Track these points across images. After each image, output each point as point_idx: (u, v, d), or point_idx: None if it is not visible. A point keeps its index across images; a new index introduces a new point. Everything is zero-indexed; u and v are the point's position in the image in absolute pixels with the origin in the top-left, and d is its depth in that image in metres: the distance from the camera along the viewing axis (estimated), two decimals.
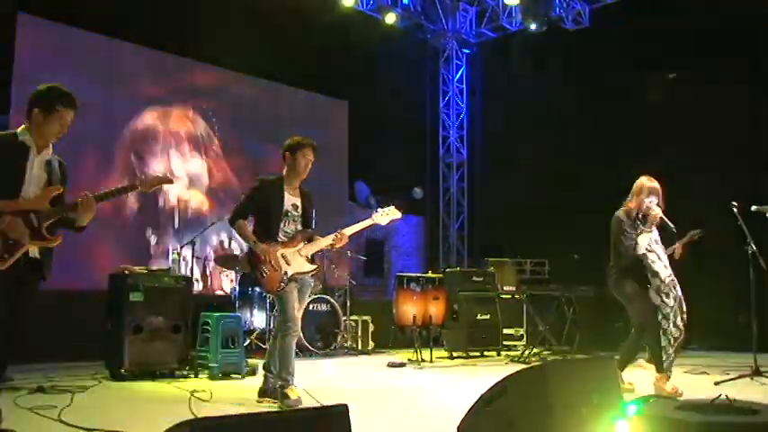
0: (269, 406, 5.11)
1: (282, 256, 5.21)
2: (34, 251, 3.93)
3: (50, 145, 4.05)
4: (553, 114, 11.58)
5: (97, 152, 9.03)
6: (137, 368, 6.51)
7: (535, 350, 9.01)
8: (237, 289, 8.51)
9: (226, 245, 9.95)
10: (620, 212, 6.07)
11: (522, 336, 10.32)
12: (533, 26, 11.97)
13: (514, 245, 11.41)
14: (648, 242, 5.93)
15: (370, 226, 5.57)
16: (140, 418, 4.59)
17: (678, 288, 5.90)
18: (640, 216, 5.98)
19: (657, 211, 5.93)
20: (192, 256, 8.29)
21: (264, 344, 8.09)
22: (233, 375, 6.81)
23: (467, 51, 13.85)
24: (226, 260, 8.99)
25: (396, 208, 5.66)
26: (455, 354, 9.20)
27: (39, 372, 6.41)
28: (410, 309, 9.06)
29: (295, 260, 5.26)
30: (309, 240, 5.40)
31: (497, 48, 13.13)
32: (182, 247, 8.76)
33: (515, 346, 10.12)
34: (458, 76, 13.86)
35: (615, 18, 11.25)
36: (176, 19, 9.22)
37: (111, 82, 9.19)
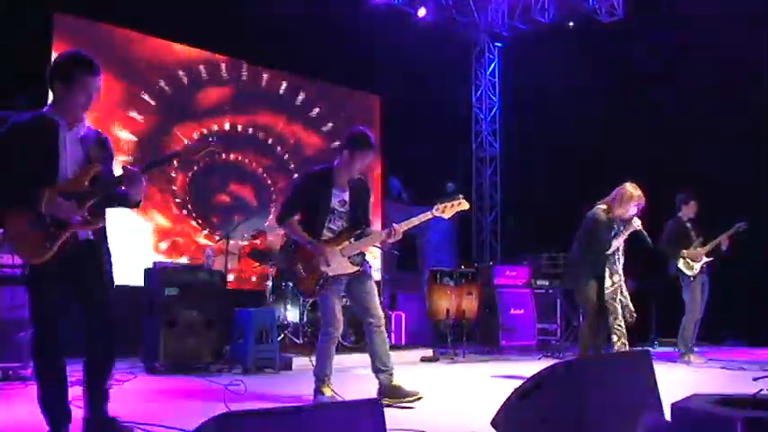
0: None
1: (324, 257, 4.97)
2: (87, 232, 3.68)
3: (83, 119, 3.73)
4: (587, 107, 11.46)
5: None
6: (172, 362, 6.59)
7: (569, 345, 8.95)
8: (271, 284, 8.55)
9: (259, 239, 9.99)
10: (598, 212, 6.24)
11: (556, 330, 10.25)
12: (570, 23, 11.89)
13: (548, 239, 11.32)
14: (617, 246, 6.17)
15: (428, 220, 5.22)
16: (175, 411, 4.63)
17: (624, 292, 6.18)
18: (619, 221, 6.18)
19: (638, 224, 6.13)
20: (226, 251, 8.34)
21: (299, 339, 8.12)
22: (267, 370, 6.85)
23: (499, 45, 13.75)
24: (260, 255, 9.03)
25: (465, 201, 5.23)
26: (488, 348, 9.17)
27: (76, 366, 6.50)
28: (443, 303, 9.05)
29: (336, 260, 4.99)
30: (357, 238, 5.13)
31: (530, 41, 13.01)
32: (216, 242, 8.82)
33: (550, 340, 10.06)
34: (490, 69, 13.77)
35: (650, 8, 11.08)
36: (210, 16, 9.27)
37: (147, 79, 9.29)
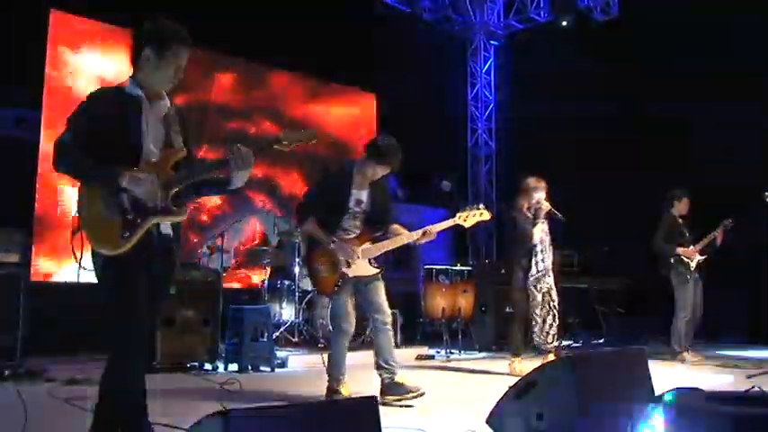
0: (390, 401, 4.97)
1: (345, 257, 4.97)
2: (167, 227, 3.24)
3: (165, 96, 3.31)
4: (582, 106, 11.47)
5: None
6: (168, 361, 6.58)
7: (564, 342, 8.97)
8: (267, 282, 8.55)
9: (255, 238, 9.98)
10: (516, 208, 6.89)
11: None
12: (564, 23, 11.90)
13: None
14: (541, 234, 6.73)
15: (449, 227, 5.24)
16: (171, 410, 4.63)
17: (549, 280, 6.74)
18: (533, 211, 6.78)
19: (546, 205, 6.76)
20: (222, 250, 8.33)
21: (294, 337, 8.13)
22: (262, 368, 6.85)
23: (495, 43, 13.76)
24: (255, 253, 9.03)
25: (485, 208, 5.26)
26: (484, 346, 9.18)
27: (72, 364, 6.49)
28: (439, 302, 9.05)
29: (357, 261, 4.99)
30: (376, 240, 5.10)
31: (525, 39, 13.03)
32: (211, 240, 8.81)
33: None
34: (486, 68, 13.77)
35: (644, 6, 11.10)
36: (203, 12, 9.25)
37: None
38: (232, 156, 3.19)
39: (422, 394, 4.94)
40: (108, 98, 3.20)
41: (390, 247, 5.12)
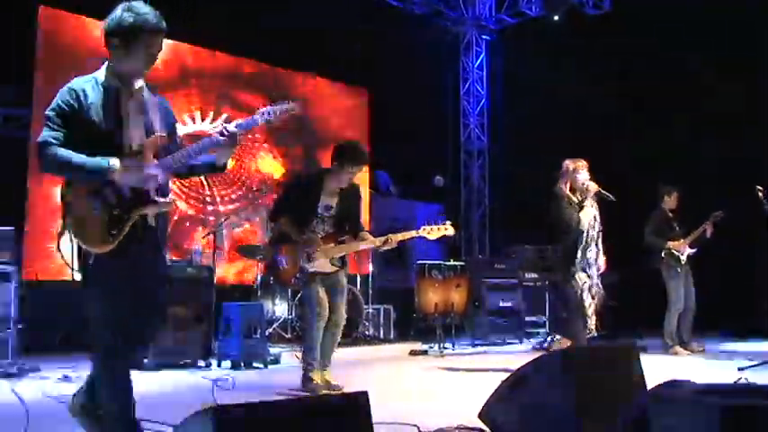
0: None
1: (307, 255, 5.31)
2: (152, 219, 3.20)
3: (143, 83, 3.26)
4: (575, 100, 11.49)
5: None
6: (160, 358, 6.57)
7: (557, 337, 8.98)
8: (259, 278, 8.54)
9: (248, 234, 9.98)
10: (558, 191, 6.39)
11: (544, 323, 10.29)
12: (555, 17, 11.91)
13: (537, 232, 11.34)
14: (590, 219, 6.21)
15: (412, 238, 5.59)
16: (164, 407, 4.63)
17: (594, 271, 6.24)
18: (578, 194, 6.28)
19: (595, 186, 6.25)
20: (214, 246, 8.33)
21: (287, 333, 8.13)
22: (255, 364, 6.85)
23: (486, 38, 13.75)
24: (248, 250, 9.03)
25: (451, 224, 5.58)
26: (477, 341, 9.20)
27: (65, 362, 6.48)
28: (432, 297, 9.07)
29: (320, 260, 5.32)
30: (340, 243, 5.41)
31: (517, 34, 13.03)
32: (204, 237, 8.80)
33: (538, 333, 10.10)
34: (478, 62, 13.76)
35: (636, 1, 11.10)
36: (190, 7, 9.24)
37: None
38: (222, 137, 3.21)
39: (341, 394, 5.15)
40: (83, 89, 3.13)
41: (351, 251, 5.56)
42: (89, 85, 3.16)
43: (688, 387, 2.46)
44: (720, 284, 9.08)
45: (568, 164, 6.44)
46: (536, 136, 11.88)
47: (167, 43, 3.38)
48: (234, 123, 3.30)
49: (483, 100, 13.73)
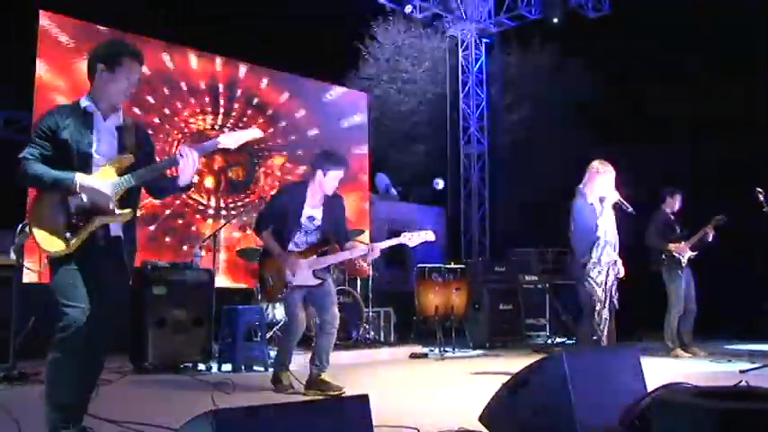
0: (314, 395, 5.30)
1: (292, 268, 5.42)
2: (117, 229, 3.52)
3: (120, 108, 3.61)
4: (574, 102, 11.51)
5: None
6: (161, 361, 6.57)
7: (558, 340, 8.98)
8: (260, 282, 8.53)
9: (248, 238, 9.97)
10: (579, 195, 6.24)
11: (544, 326, 10.29)
12: (555, 20, 11.93)
13: (536, 234, 11.36)
14: (606, 226, 6.12)
15: (396, 244, 5.66)
16: (164, 410, 4.63)
17: (611, 274, 6.14)
18: (598, 199, 6.15)
19: (617, 195, 6.13)
20: (215, 249, 8.33)
21: None
22: (255, 368, 6.85)
23: (486, 41, 13.76)
24: (248, 253, 9.01)
25: (432, 232, 5.74)
26: (477, 344, 9.19)
27: None
28: (432, 300, 9.06)
29: (300, 273, 5.42)
30: (323, 254, 5.53)
31: (516, 37, 13.05)
32: (204, 240, 8.79)
33: (538, 335, 10.10)
34: (477, 65, 13.76)
35: (636, 3, 11.12)
36: (194, 13, 9.27)
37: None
38: (180, 157, 3.46)
39: (342, 394, 5.21)
40: (64, 113, 3.49)
41: (334, 261, 5.68)
42: (68, 110, 3.54)
43: (688, 390, 2.46)
44: (722, 286, 9.07)
45: (596, 166, 6.27)
46: (535, 138, 11.91)
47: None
48: (190, 146, 3.53)
49: (483, 103, 13.73)
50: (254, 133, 3.75)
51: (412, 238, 5.60)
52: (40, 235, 3.38)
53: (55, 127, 3.44)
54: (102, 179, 3.42)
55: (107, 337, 3.56)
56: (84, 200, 3.39)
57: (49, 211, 3.40)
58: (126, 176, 3.46)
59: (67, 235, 3.36)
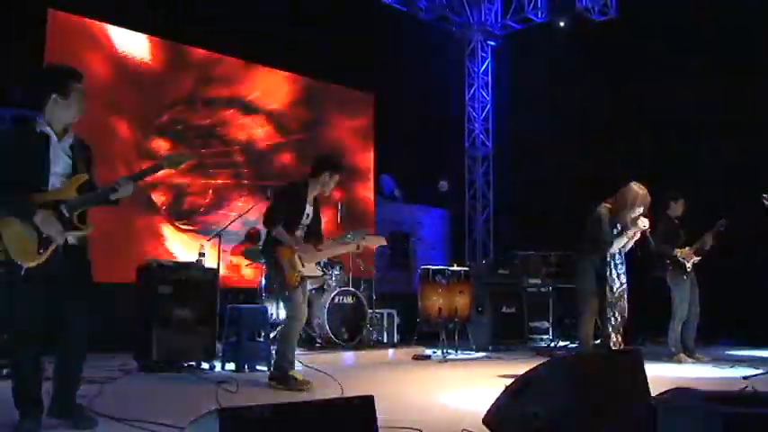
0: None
1: (300, 259, 5.73)
2: (73, 239, 3.93)
3: (71, 129, 3.99)
4: (579, 106, 11.49)
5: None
6: (165, 360, 6.58)
7: (561, 343, 8.98)
8: (264, 281, 8.54)
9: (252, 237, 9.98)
10: (603, 210, 6.22)
11: (547, 329, 10.27)
12: (561, 23, 11.93)
13: (540, 237, 11.34)
14: (621, 246, 6.17)
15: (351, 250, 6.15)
16: (168, 408, 4.64)
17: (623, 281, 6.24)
18: (622, 223, 6.09)
19: (646, 224, 6.07)
20: (219, 248, 8.34)
21: None
22: (259, 367, 6.86)
23: (492, 43, 13.76)
24: (253, 252, 9.02)
25: (385, 239, 6.47)
26: (480, 347, 9.19)
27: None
28: (435, 301, 9.06)
29: (309, 264, 5.79)
30: (319, 248, 5.93)
31: (523, 40, 13.03)
32: (209, 240, 8.81)
33: (541, 338, 10.09)
34: (483, 68, 13.76)
35: (643, 7, 11.09)
36: (202, 13, 9.27)
37: (141, 78, 9.26)
38: (118, 186, 3.89)
39: (308, 390, 5.43)
40: (21, 135, 3.90)
41: (331, 255, 6.47)
42: (26, 132, 3.89)
43: (692, 395, 2.46)
44: (725, 292, 9.04)
45: (635, 190, 6.07)
46: (541, 142, 11.89)
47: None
48: (126, 177, 4.01)
49: (488, 105, 13.73)
50: (187, 156, 4.53)
51: (365, 240, 6.01)
52: (15, 249, 3.77)
53: (12, 149, 3.84)
54: (61, 199, 3.83)
55: (82, 335, 4.08)
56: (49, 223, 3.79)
57: (20, 227, 3.77)
58: (80, 199, 3.87)
59: (41, 250, 3.78)
